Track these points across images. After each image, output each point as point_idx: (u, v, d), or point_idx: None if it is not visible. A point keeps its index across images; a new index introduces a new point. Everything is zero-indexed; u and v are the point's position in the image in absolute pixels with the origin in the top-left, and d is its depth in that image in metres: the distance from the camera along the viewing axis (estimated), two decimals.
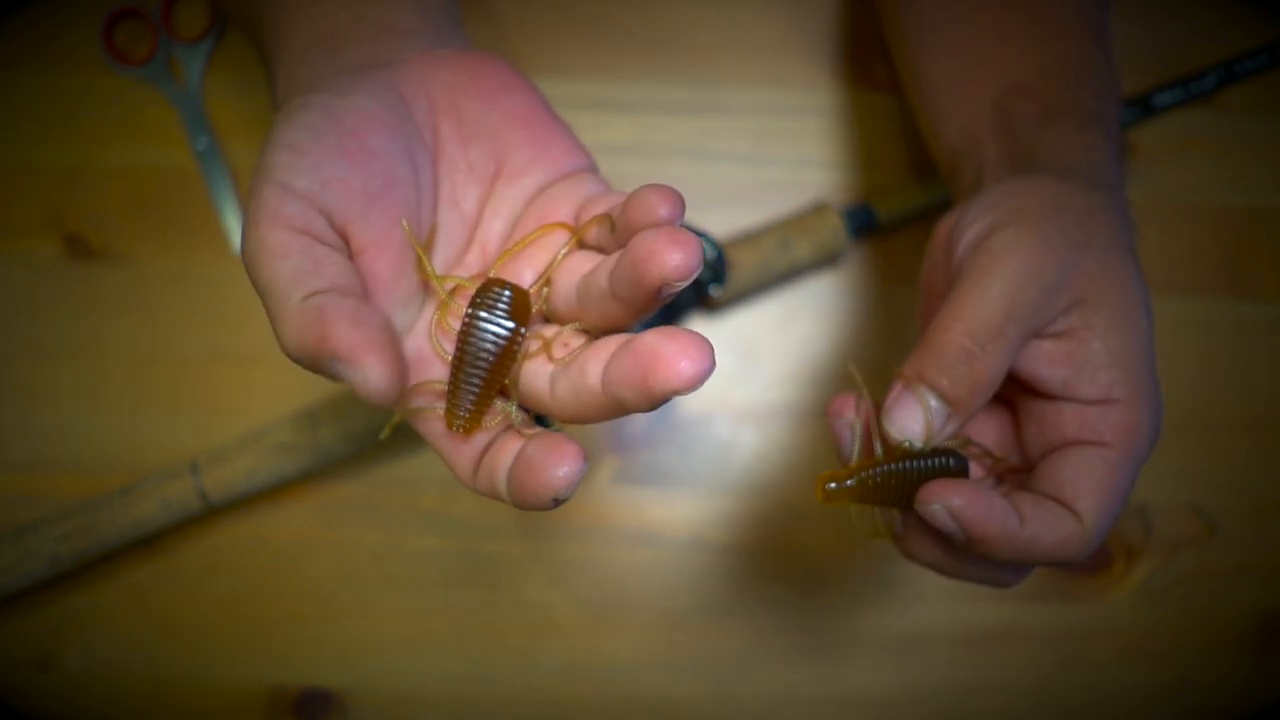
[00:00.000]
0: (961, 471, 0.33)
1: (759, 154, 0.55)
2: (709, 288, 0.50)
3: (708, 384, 0.55)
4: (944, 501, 0.30)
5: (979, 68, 0.42)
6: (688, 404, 0.53)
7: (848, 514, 0.33)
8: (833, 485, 0.32)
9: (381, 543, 0.51)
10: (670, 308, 0.51)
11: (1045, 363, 0.33)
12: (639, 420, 0.52)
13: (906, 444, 0.32)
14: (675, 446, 0.52)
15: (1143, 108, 0.54)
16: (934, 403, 0.31)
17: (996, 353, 0.31)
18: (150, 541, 0.49)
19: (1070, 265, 0.32)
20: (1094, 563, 0.52)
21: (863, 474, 0.32)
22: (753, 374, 0.53)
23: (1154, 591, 0.52)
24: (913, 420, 0.32)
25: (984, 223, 0.34)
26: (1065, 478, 0.32)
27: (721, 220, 0.52)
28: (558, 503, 0.26)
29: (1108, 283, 0.32)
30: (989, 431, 0.36)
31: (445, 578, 0.51)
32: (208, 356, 0.51)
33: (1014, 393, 0.35)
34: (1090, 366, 0.32)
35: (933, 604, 0.51)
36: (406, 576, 0.51)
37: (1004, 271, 0.32)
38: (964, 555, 0.32)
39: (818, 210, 0.52)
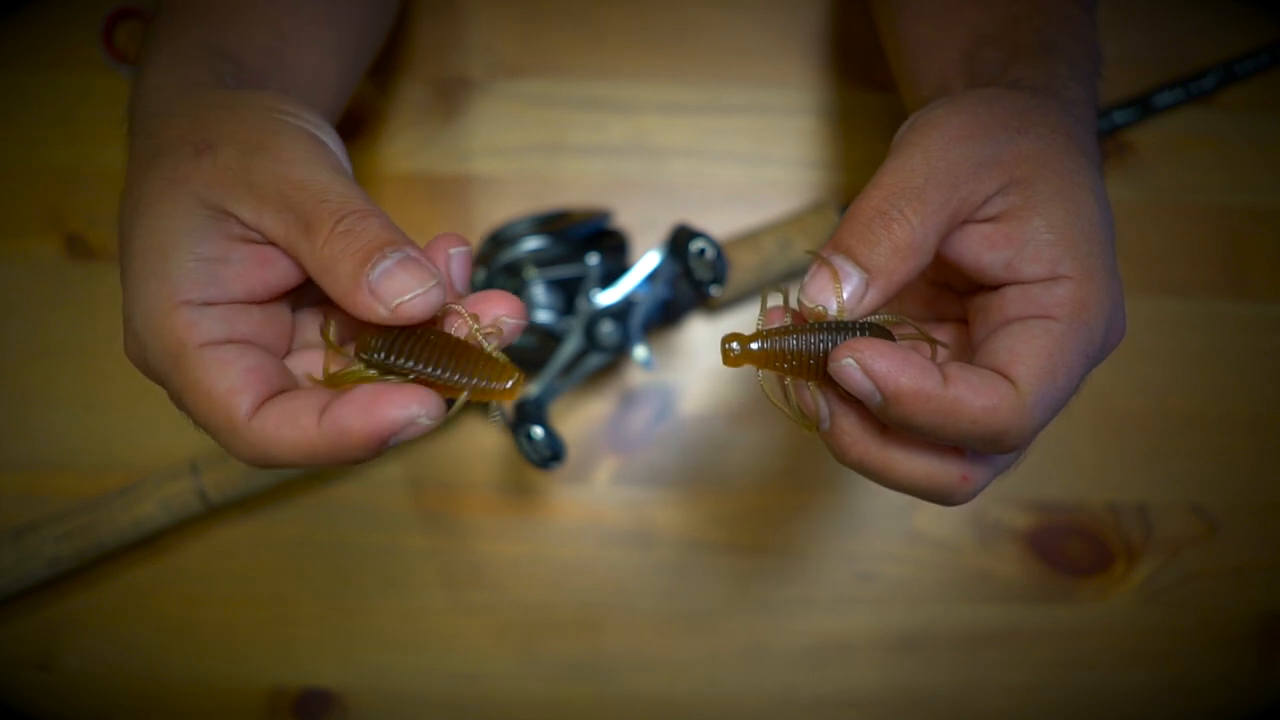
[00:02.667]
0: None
1: (759, 154, 0.54)
2: (709, 288, 0.50)
3: (707, 384, 0.54)
4: (855, 355, 0.28)
5: (953, 25, 0.41)
6: (688, 404, 0.52)
7: (770, 399, 0.31)
8: (735, 346, 0.30)
9: (381, 543, 0.51)
10: (671, 308, 0.51)
11: (985, 247, 0.31)
12: (639, 420, 0.52)
13: (822, 311, 0.29)
14: (675, 446, 0.52)
15: (1143, 108, 0.54)
16: (852, 271, 0.29)
17: (915, 215, 0.29)
18: (150, 541, 0.49)
19: (1004, 143, 0.30)
20: (1094, 563, 0.52)
21: (770, 339, 0.30)
22: (752, 374, 0.53)
23: (1154, 591, 0.52)
24: (827, 289, 0.29)
25: (917, 114, 0.32)
26: (1000, 346, 0.29)
27: (721, 220, 0.52)
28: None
29: (1046, 164, 0.31)
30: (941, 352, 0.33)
31: (445, 578, 0.51)
32: None
33: (963, 302, 0.33)
34: (1033, 244, 0.30)
35: (932, 604, 0.51)
36: (406, 576, 0.51)
37: (925, 141, 0.30)
38: (894, 442, 0.30)
39: (818, 210, 0.52)
